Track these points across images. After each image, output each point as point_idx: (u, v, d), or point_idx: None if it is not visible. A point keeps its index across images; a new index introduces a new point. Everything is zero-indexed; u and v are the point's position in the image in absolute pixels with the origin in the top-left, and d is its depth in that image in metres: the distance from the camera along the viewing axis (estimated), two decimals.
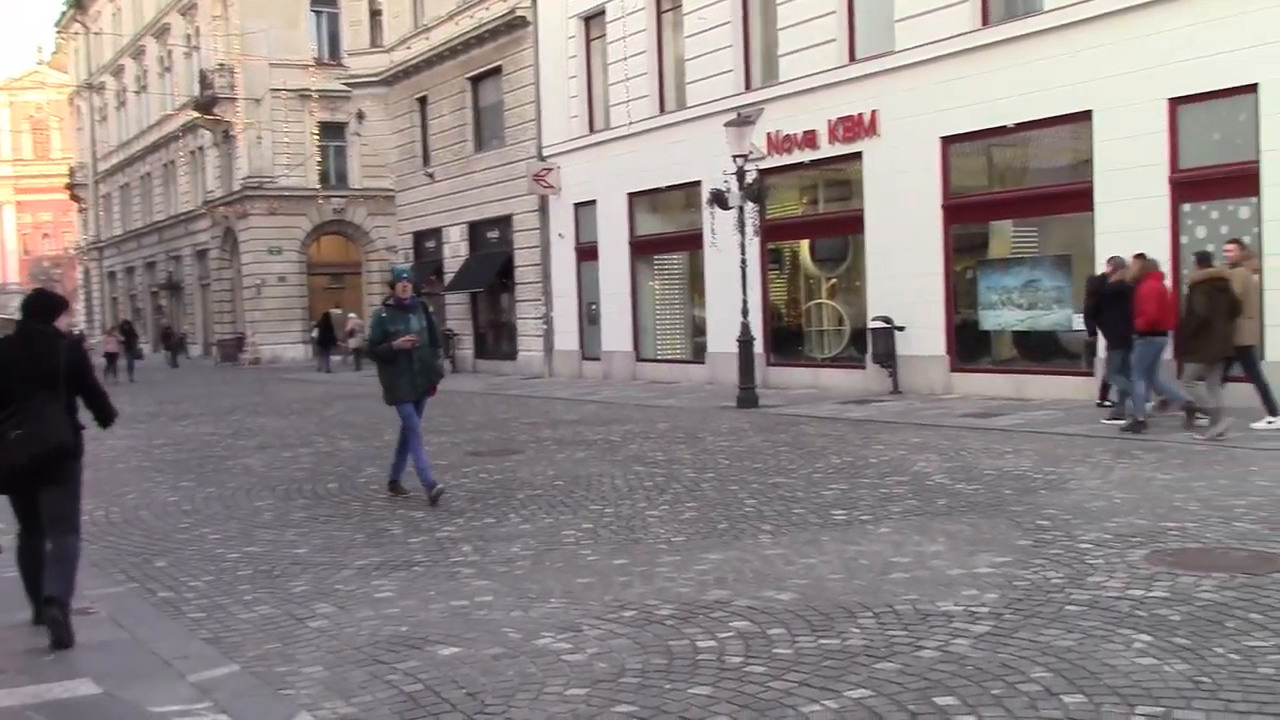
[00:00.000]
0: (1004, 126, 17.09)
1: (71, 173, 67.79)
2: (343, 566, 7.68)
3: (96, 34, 60.02)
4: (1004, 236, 18.39)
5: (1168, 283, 13.60)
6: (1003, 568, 6.84)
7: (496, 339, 31.52)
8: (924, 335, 18.25)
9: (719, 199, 18.60)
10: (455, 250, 31.99)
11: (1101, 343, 14.42)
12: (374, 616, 6.38)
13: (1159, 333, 12.76)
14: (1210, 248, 13.36)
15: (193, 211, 49.66)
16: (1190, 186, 14.89)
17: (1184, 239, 14.72)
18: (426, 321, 10.40)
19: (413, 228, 34.48)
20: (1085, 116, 15.92)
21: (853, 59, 19.51)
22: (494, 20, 28.52)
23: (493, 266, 29.96)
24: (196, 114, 45.40)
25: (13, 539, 6.40)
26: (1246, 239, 13.36)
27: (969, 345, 18.18)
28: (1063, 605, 5.98)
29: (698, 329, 23.90)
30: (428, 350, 10.31)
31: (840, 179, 20.48)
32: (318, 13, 43.38)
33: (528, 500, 10.05)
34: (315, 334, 37.99)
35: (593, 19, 26.08)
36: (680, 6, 23.22)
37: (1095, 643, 5.31)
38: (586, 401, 20.60)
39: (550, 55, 27.27)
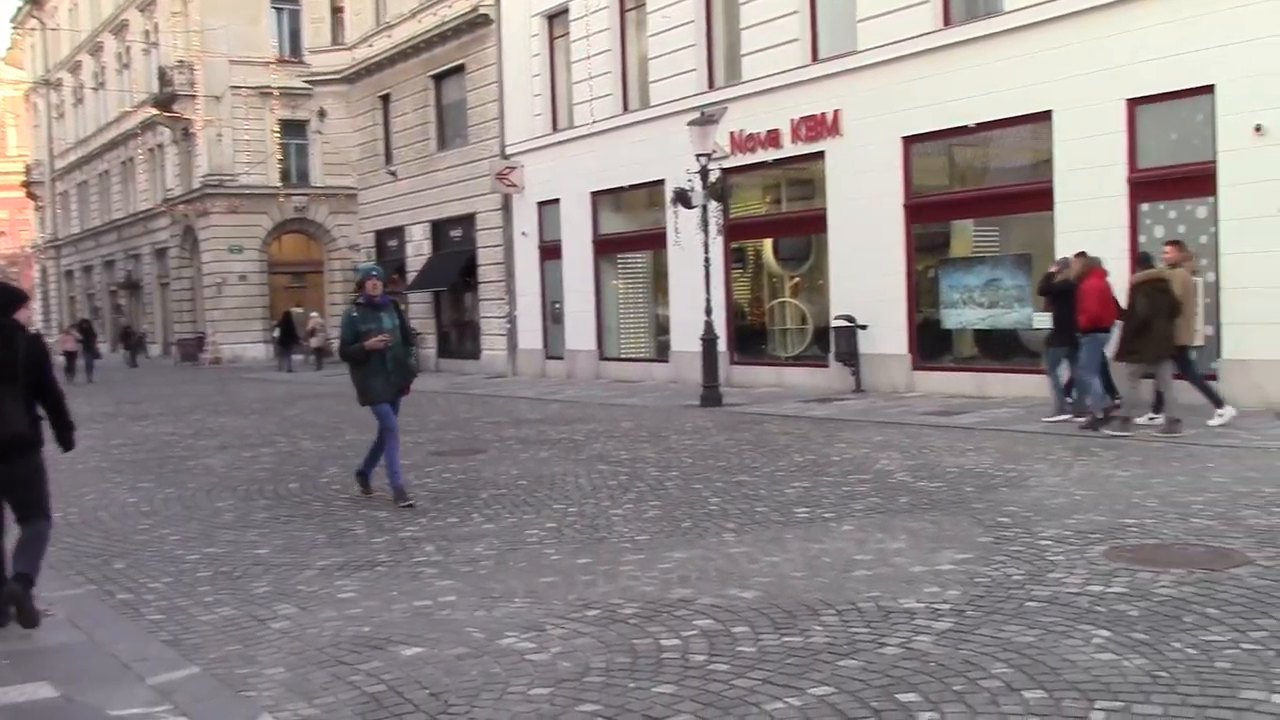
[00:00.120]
0: (965, 126, 17.20)
1: (28, 170, 66.92)
2: (305, 567, 7.63)
3: (54, 30, 59.30)
4: (965, 236, 18.52)
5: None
6: (964, 564, 6.89)
7: (460, 338, 31.42)
8: (886, 334, 18.36)
9: (682, 198, 18.62)
10: (418, 249, 31.87)
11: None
12: (336, 617, 6.34)
13: (1101, 329, 12.96)
14: (1147, 248, 13.60)
15: (152, 210, 49.17)
16: (1148, 186, 15.05)
17: (1142, 238, 14.86)
18: (399, 320, 10.20)
19: (375, 226, 34.32)
20: (1045, 117, 16.06)
21: (815, 59, 19.59)
22: (456, 18, 28.43)
23: (456, 265, 29.87)
24: (155, 111, 44.96)
25: None
26: (1205, 239, 13.56)
27: (931, 344, 18.30)
28: (1023, 601, 6.03)
29: (661, 328, 23.93)
30: (401, 349, 10.08)
31: (803, 178, 20.55)
32: (279, 9, 43.04)
33: (491, 500, 10.02)
34: (276, 333, 37.73)
35: (556, 17, 26.05)
36: (643, 5, 23.22)
37: (1055, 638, 5.36)
38: (550, 400, 20.57)
39: (513, 53, 27.21)
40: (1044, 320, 15.09)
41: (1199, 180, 14.41)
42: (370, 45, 32.89)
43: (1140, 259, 13.00)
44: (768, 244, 21.87)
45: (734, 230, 21.14)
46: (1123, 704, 4.51)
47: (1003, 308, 17.06)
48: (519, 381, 26.03)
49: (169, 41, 43.94)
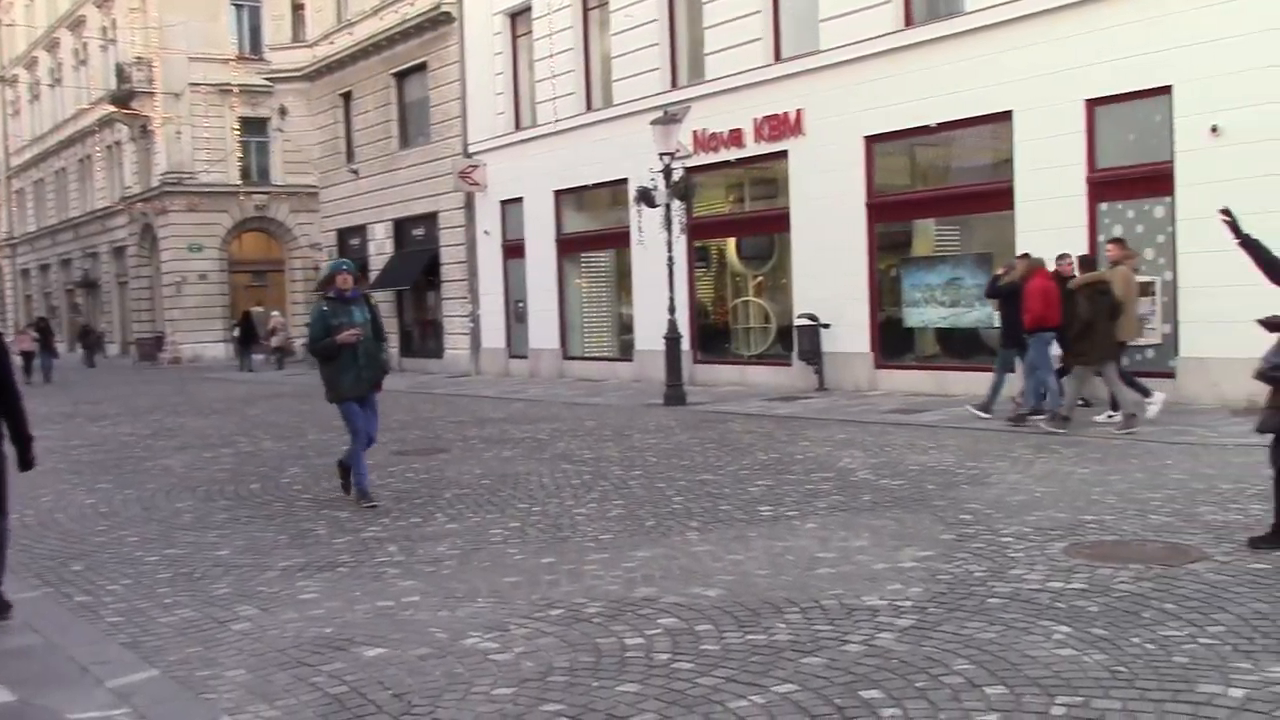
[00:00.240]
0: (926, 126, 17.31)
1: None
2: (266, 568, 7.57)
3: (9, 25, 58.49)
4: (927, 235, 18.63)
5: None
6: (926, 562, 6.93)
7: (423, 337, 31.29)
8: (849, 332, 18.44)
9: (645, 197, 18.62)
10: (380, 248, 31.72)
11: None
12: (298, 618, 6.29)
13: (1046, 329, 13.10)
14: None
15: (110, 208, 48.61)
16: (1107, 186, 15.20)
17: (1101, 237, 14.99)
18: (370, 314, 9.97)
19: (337, 225, 34.11)
20: (1005, 117, 16.19)
21: (778, 58, 19.65)
22: (419, 16, 28.29)
23: (418, 264, 29.74)
24: (113, 108, 44.38)
25: None
26: (1163, 238, 13.71)
27: (893, 342, 18.40)
28: (985, 598, 6.07)
29: (625, 327, 23.93)
30: (373, 343, 9.81)
31: (766, 177, 20.61)
32: (239, 6, 42.68)
33: (454, 499, 9.98)
34: (237, 333, 37.40)
35: (518, 15, 25.98)
36: (606, 4, 23.21)
37: (1016, 635, 5.40)
38: (513, 400, 20.52)
39: (476, 52, 27.12)
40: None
41: (1157, 180, 14.57)
42: (331, 42, 32.67)
43: (1081, 260, 13.16)
44: (731, 243, 21.92)
45: (697, 229, 21.15)
46: (1082, 699, 4.56)
47: (964, 306, 17.18)
48: (482, 381, 25.94)
49: (127, 38, 43.41)
